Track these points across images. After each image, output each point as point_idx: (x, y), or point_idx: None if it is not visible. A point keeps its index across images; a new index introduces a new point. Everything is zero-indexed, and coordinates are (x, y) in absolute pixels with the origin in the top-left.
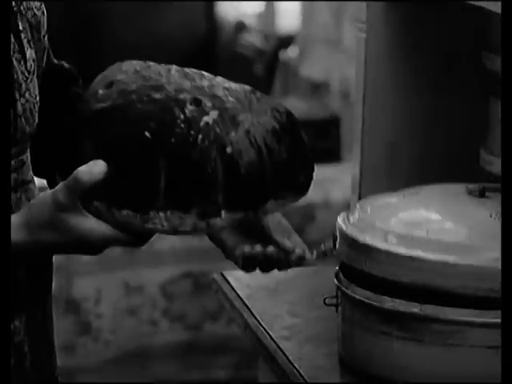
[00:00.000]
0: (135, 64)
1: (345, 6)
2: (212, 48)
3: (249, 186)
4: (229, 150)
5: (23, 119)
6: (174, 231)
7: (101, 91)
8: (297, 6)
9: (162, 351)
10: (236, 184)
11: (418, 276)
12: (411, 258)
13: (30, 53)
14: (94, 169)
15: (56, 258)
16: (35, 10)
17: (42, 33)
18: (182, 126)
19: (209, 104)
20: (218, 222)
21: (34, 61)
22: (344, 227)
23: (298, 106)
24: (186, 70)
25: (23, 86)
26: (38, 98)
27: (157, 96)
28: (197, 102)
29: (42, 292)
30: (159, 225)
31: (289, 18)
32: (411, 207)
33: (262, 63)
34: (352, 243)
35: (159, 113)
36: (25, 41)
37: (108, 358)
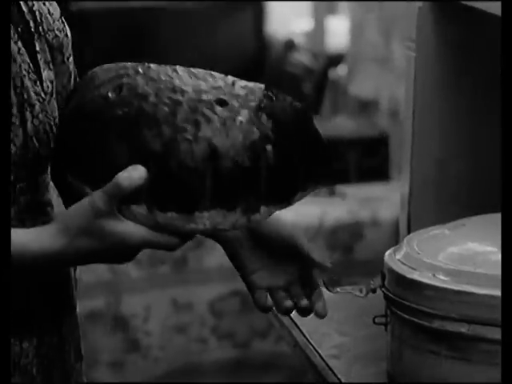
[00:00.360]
0: (133, 66)
1: (394, 25)
2: (261, 66)
3: (285, 179)
4: (268, 147)
5: (35, 140)
6: (214, 229)
7: (111, 95)
8: (346, 24)
9: (210, 369)
10: (276, 178)
11: (466, 310)
12: (459, 293)
13: (46, 74)
14: (133, 174)
15: (104, 275)
16: (57, 31)
17: (66, 55)
18: (218, 126)
19: (235, 104)
20: (257, 217)
21: (51, 82)
22: (391, 263)
23: (347, 124)
24: (192, 70)
25: (37, 106)
26: (56, 120)
27: (179, 97)
28: (221, 103)
29: (57, 315)
30: (201, 224)
31: (338, 36)
32: (457, 241)
33: (311, 82)
34: (400, 279)
35: (191, 115)
36: (41, 62)
37: (157, 375)
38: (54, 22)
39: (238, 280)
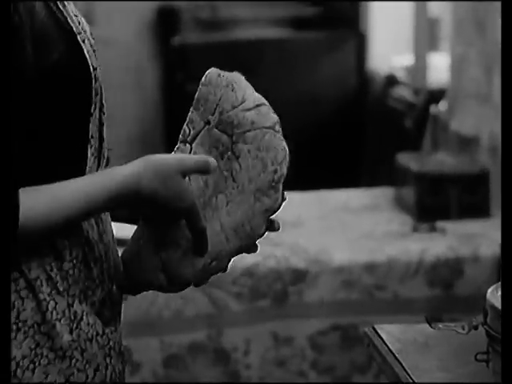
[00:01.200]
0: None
1: (495, 61)
2: (363, 101)
3: None
4: None
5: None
6: None
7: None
8: (447, 60)
9: None
10: None
11: None
12: None
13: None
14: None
15: (206, 308)
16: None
17: None
18: None
19: None
20: None
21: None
22: (494, 301)
23: (448, 160)
24: None
25: (104, 127)
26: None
27: None
28: None
29: (120, 306)
30: None
31: (439, 72)
32: None
33: (412, 117)
34: None
35: None
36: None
37: None
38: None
39: (338, 315)
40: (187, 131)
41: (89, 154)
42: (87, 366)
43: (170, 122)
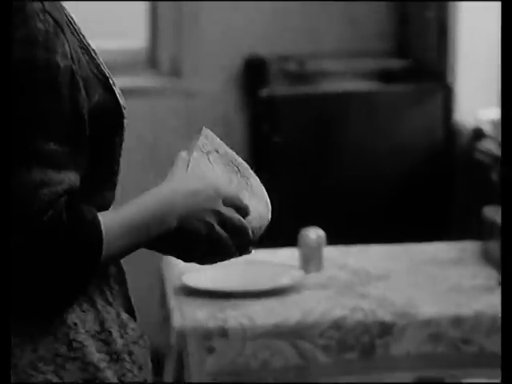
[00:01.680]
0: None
1: None
2: (450, 154)
3: None
4: None
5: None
6: None
7: None
8: None
9: None
10: None
11: None
12: None
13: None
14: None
15: (294, 361)
16: None
17: None
18: None
19: None
20: None
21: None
22: None
23: None
24: None
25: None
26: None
27: None
28: None
29: None
30: None
31: None
32: None
33: (498, 170)
34: None
35: None
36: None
37: None
38: None
39: (424, 368)
40: (200, 145)
41: (117, 183)
42: (133, 365)
43: (257, 173)
